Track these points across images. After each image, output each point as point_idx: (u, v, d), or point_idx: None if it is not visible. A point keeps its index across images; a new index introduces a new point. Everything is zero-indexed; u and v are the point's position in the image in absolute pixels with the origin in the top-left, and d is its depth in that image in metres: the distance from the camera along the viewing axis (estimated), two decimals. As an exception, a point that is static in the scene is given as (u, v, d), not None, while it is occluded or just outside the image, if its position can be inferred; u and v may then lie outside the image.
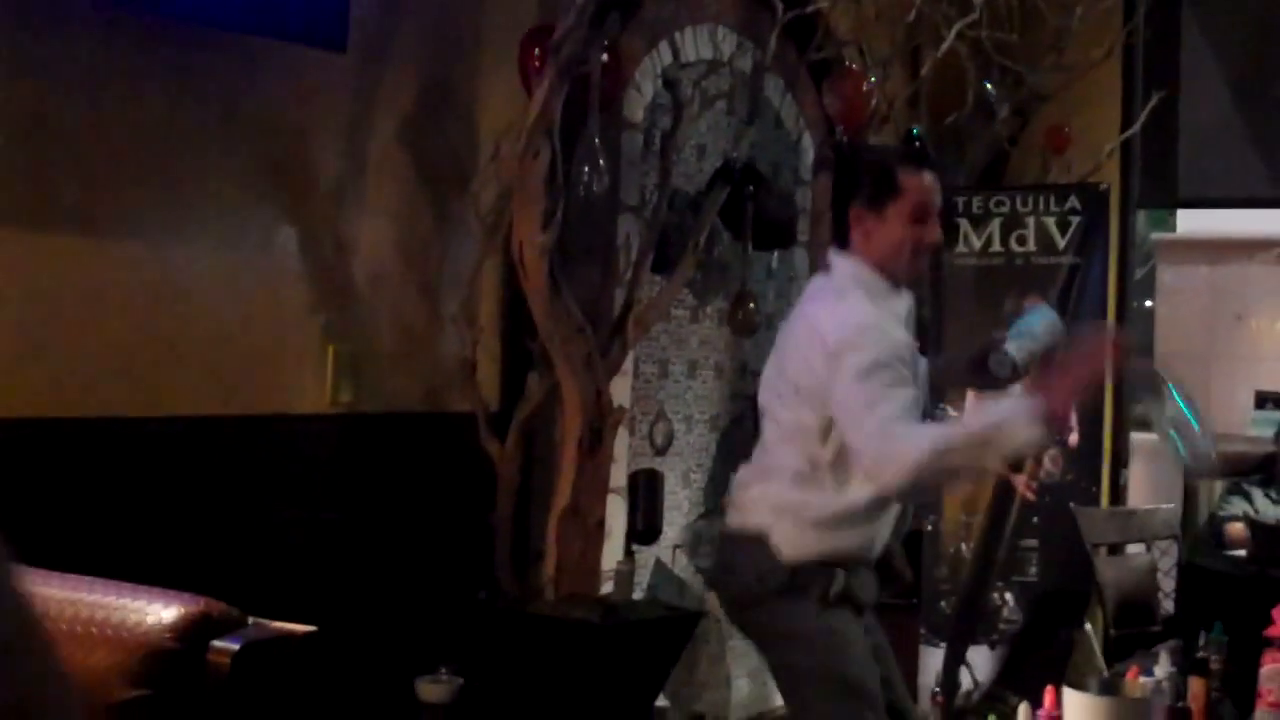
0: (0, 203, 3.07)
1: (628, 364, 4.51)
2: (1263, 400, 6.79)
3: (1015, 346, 3.34)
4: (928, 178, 3.14)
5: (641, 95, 4.74)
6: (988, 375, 3.37)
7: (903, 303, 3.18)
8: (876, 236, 3.11)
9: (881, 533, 3.23)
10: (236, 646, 1.27)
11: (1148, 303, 7.98)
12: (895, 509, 3.22)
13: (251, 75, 3.54)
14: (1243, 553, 5.33)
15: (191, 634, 1.27)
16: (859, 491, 3.08)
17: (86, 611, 1.35)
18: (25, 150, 3.10)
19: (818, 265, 3.22)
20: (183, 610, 1.28)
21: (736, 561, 3.26)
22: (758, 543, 3.14)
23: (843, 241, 3.18)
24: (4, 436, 3.02)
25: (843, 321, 3.03)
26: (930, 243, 3.14)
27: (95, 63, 3.21)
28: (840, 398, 2.97)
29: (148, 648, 1.26)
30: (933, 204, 3.14)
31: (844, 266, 3.17)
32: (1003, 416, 2.90)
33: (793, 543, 3.12)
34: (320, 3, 3.50)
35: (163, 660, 1.26)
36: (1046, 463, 5.34)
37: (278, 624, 1.45)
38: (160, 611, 1.28)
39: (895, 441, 2.88)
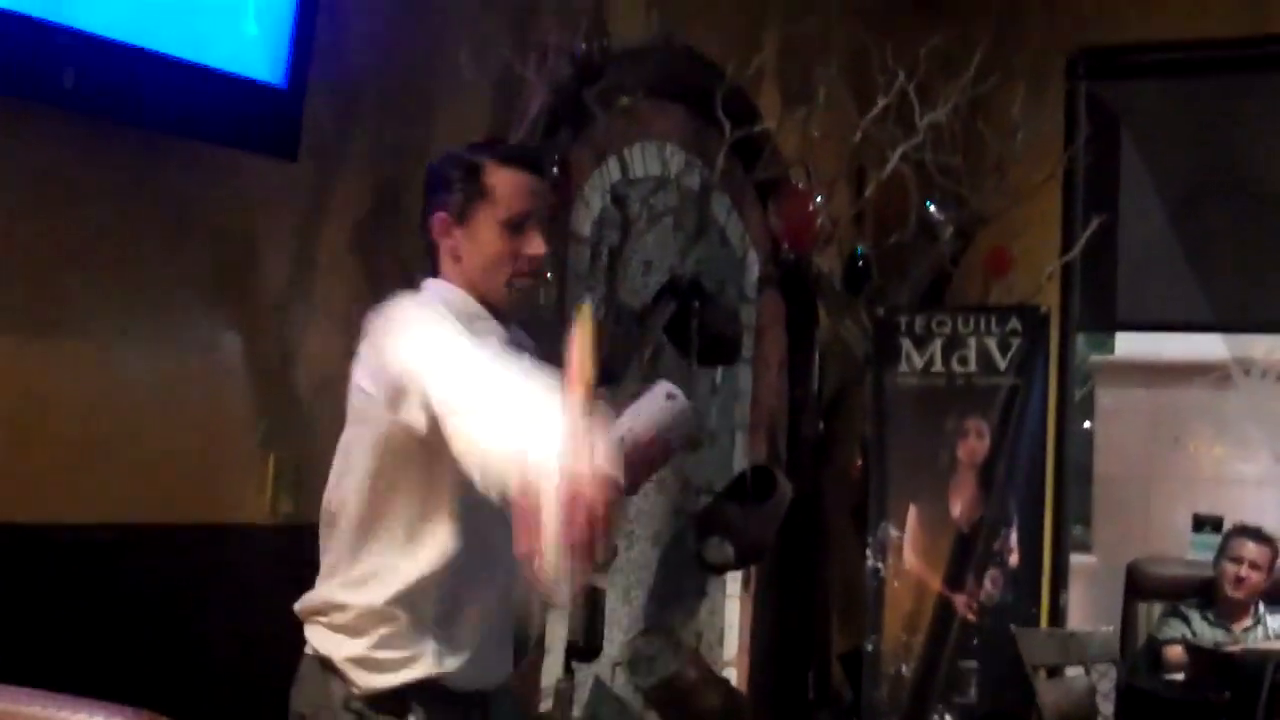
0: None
1: (571, 477, 4.48)
2: (1200, 524, 6.83)
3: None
4: (527, 179, 2.59)
5: (589, 209, 4.76)
6: None
7: (494, 329, 2.58)
8: (466, 251, 2.57)
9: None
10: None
11: (1086, 424, 8.05)
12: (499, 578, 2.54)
13: (202, 181, 3.52)
14: (1180, 676, 5.33)
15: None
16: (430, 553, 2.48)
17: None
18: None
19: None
20: (124, 725, 1.24)
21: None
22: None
23: (433, 265, 2.64)
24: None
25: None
26: (532, 255, 2.56)
27: (44, 163, 3.18)
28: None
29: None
30: (533, 210, 2.58)
31: (430, 287, 2.62)
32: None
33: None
34: (273, 112, 3.49)
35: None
36: (987, 584, 5.35)
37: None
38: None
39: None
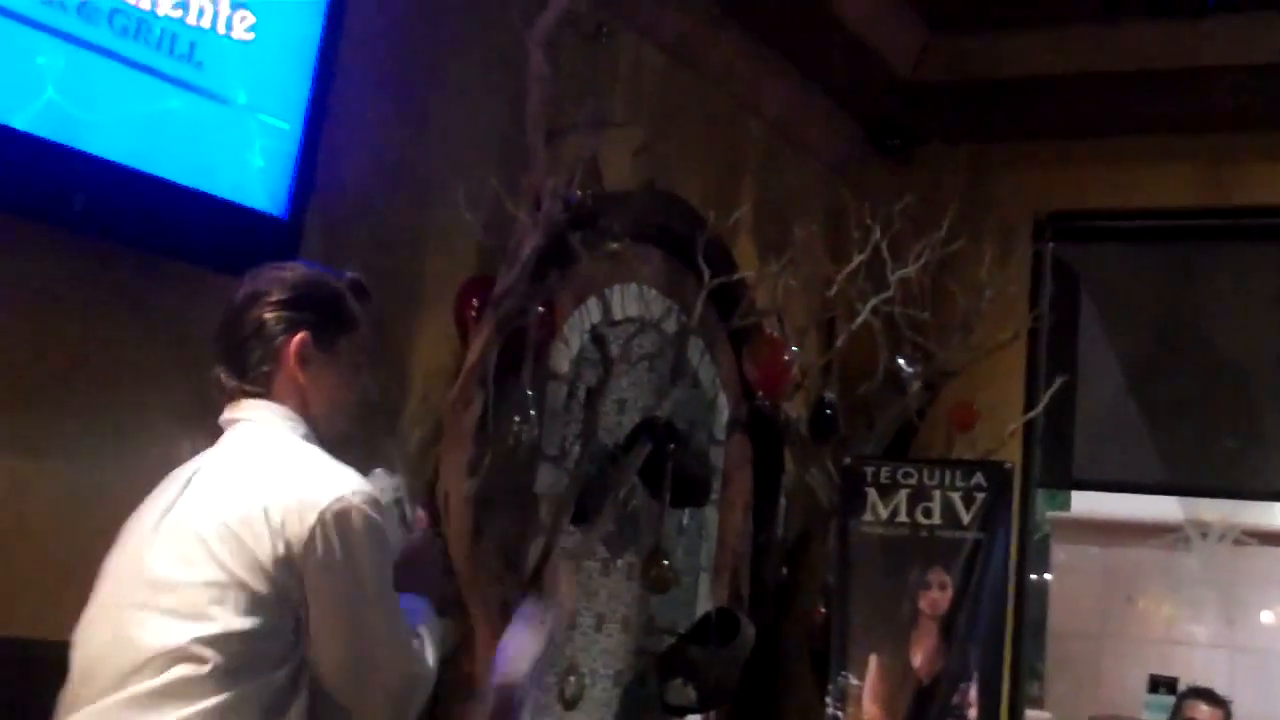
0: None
1: (538, 615, 4.51)
2: (1155, 684, 6.89)
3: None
4: (372, 318, 2.59)
5: (569, 348, 4.84)
6: None
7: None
8: (321, 380, 2.48)
9: None
10: None
11: (1046, 575, 8.11)
12: None
13: (201, 306, 3.57)
14: (1136, 837, 5.36)
15: None
16: None
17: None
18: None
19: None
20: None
21: None
22: None
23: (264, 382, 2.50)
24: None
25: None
26: (373, 401, 2.58)
27: (44, 284, 3.24)
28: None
29: None
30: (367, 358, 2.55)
31: (291, 424, 2.48)
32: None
33: None
34: (272, 242, 3.56)
35: None
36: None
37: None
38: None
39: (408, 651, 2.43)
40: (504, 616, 4.10)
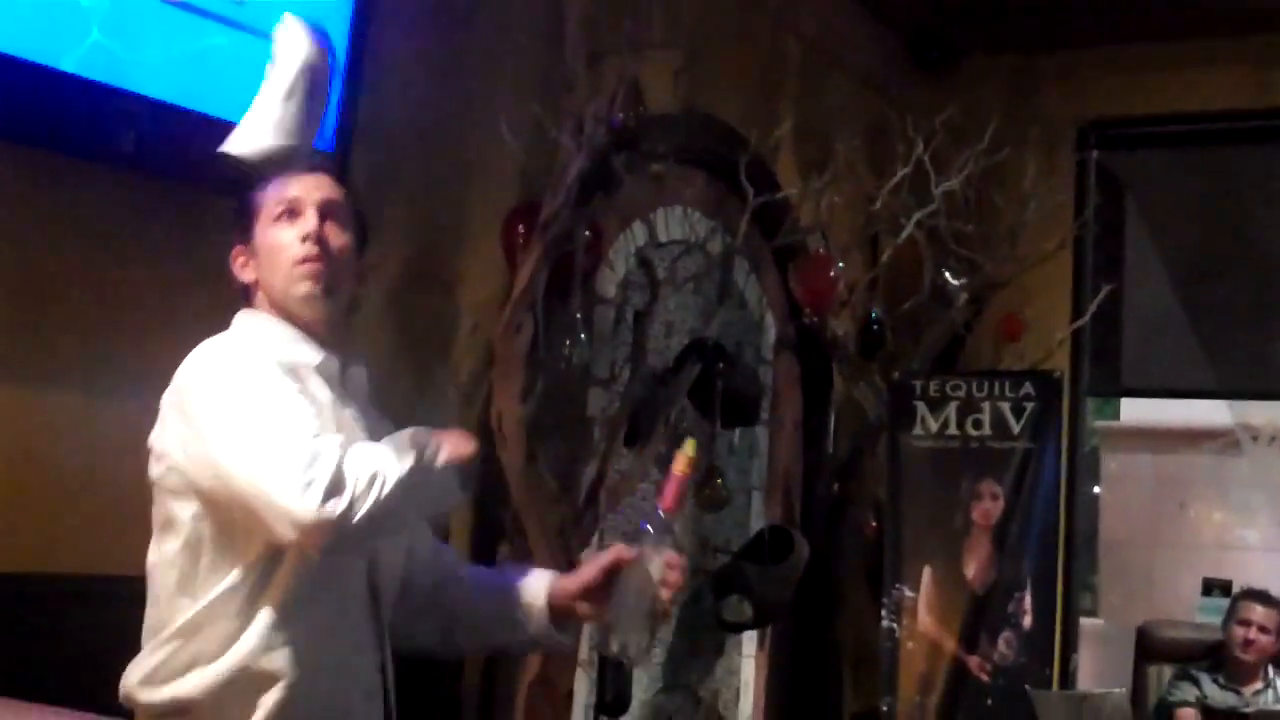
0: (2, 360, 3.11)
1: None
2: (1209, 587, 6.92)
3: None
4: (294, 176, 2.42)
5: (614, 272, 4.86)
6: None
7: (310, 352, 2.36)
8: (260, 268, 2.39)
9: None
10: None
11: (1096, 489, 8.12)
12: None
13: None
14: (1193, 738, 5.40)
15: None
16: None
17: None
18: (25, 302, 3.16)
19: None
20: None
21: None
22: None
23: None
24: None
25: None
26: (308, 232, 2.33)
27: (103, 225, 3.28)
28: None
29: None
30: (308, 199, 2.37)
31: (238, 320, 2.43)
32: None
33: None
34: (318, 175, 3.60)
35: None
36: (1001, 645, 5.41)
37: None
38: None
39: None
40: (561, 539, 4.15)
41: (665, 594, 2.35)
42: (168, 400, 2.33)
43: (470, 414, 4.17)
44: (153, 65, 3.19)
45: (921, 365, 5.93)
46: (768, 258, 5.61)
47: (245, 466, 2.12)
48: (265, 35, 3.38)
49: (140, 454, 3.34)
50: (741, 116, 5.33)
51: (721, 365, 4.92)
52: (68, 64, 3.02)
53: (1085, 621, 6.28)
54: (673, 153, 4.58)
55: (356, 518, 2.06)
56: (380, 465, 2.10)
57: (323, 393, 2.32)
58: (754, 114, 5.41)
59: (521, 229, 4.07)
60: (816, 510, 5.88)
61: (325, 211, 2.36)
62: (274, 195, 2.38)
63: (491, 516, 4.23)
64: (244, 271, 2.41)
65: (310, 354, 2.34)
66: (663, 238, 5.03)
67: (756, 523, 5.62)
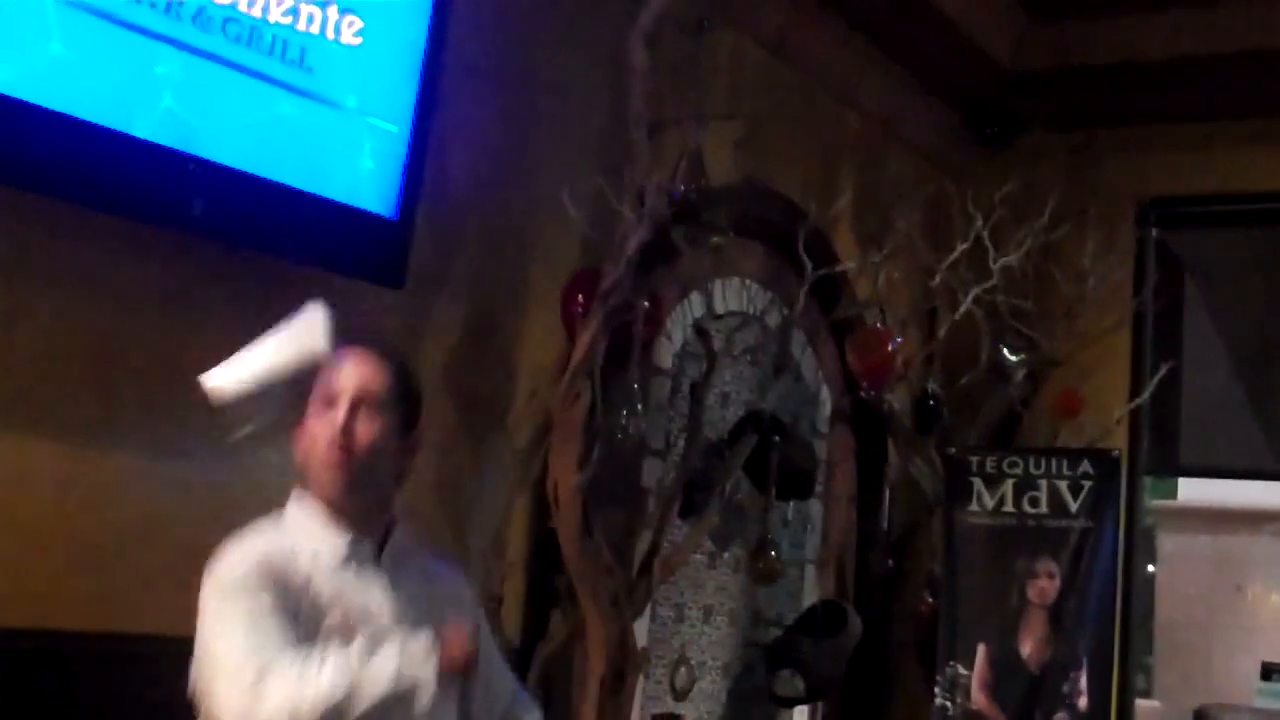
0: (66, 418, 3.15)
1: (645, 607, 4.55)
2: (1269, 671, 6.82)
3: None
4: (355, 364, 2.51)
5: (671, 343, 4.87)
6: None
7: (336, 541, 2.47)
8: (303, 456, 2.50)
9: None
10: None
11: (1150, 568, 8.04)
12: None
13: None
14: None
15: None
16: None
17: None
18: (93, 365, 3.19)
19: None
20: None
21: None
22: None
23: None
24: (50, 648, 3.05)
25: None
26: (344, 438, 2.43)
27: (169, 288, 3.32)
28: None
29: None
30: (355, 392, 2.47)
31: (286, 508, 2.55)
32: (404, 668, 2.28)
33: None
34: (383, 242, 3.63)
35: None
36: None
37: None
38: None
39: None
40: (615, 609, 4.14)
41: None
42: None
43: (525, 481, 4.18)
44: (223, 132, 3.23)
45: (978, 441, 5.90)
46: (825, 331, 5.61)
47: (205, 667, 2.34)
48: (333, 104, 3.45)
49: (196, 516, 3.39)
50: (801, 189, 5.35)
51: (777, 438, 4.92)
52: (140, 129, 3.06)
53: (1141, 703, 6.21)
54: (732, 224, 4.60)
55: None
56: (302, 694, 2.22)
57: (331, 584, 2.42)
58: (813, 186, 5.43)
59: (581, 298, 4.09)
60: (870, 585, 5.84)
61: (359, 400, 2.46)
62: (321, 381, 2.49)
63: (545, 584, 4.23)
64: (298, 450, 2.52)
65: (337, 543, 2.46)
66: (720, 309, 5.05)
67: (810, 596, 5.60)
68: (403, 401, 2.53)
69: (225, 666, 2.29)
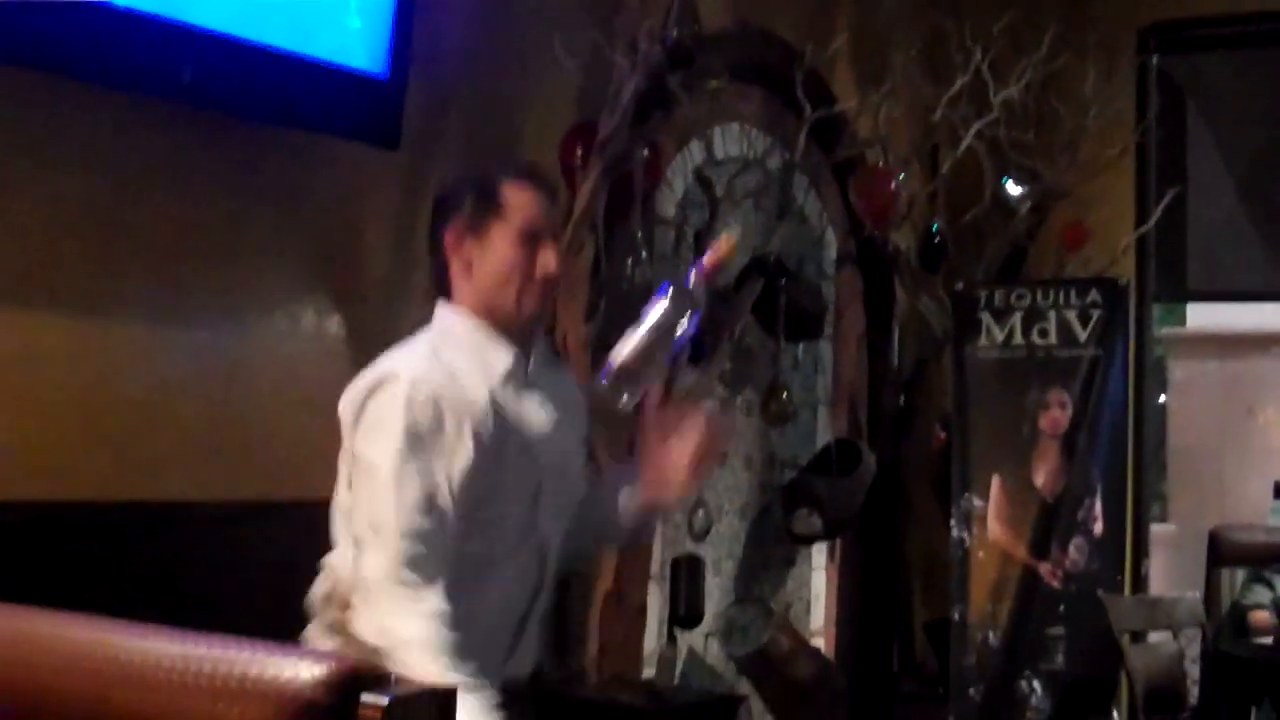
0: (70, 293, 3.16)
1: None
2: (1281, 490, 6.87)
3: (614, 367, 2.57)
4: (540, 196, 2.59)
5: (673, 192, 4.85)
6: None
7: (502, 358, 2.54)
8: (479, 265, 2.54)
9: None
10: (385, 701, 1.34)
11: (1162, 398, 8.08)
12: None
13: (307, 170, 3.65)
14: (1268, 640, 5.39)
15: (343, 689, 1.33)
16: None
17: (226, 667, 1.41)
18: (94, 238, 3.20)
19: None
20: (332, 666, 1.34)
21: None
22: None
23: (445, 286, 2.61)
24: (69, 519, 3.09)
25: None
26: (546, 274, 2.54)
27: (165, 158, 3.31)
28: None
29: (301, 702, 1.33)
30: (547, 226, 2.57)
31: (442, 321, 2.59)
32: None
33: None
34: (375, 102, 3.61)
35: (316, 715, 1.33)
36: (1072, 552, 5.41)
37: (419, 680, 1.52)
38: (310, 667, 1.35)
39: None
40: (628, 454, 4.17)
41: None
42: (349, 412, 2.50)
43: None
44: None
45: (985, 276, 5.90)
46: (827, 172, 5.59)
47: (366, 524, 2.38)
48: (319, -37, 3.41)
49: (205, 382, 3.42)
50: (796, 30, 5.29)
51: (784, 281, 4.92)
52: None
53: (1156, 528, 6.27)
54: (728, 69, 4.56)
55: (370, 626, 2.31)
56: (411, 634, 2.27)
57: (500, 401, 2.49)
58: (809, 27, 5.37)
59: (579, 149, 4.07)
60: (882, 423, 5.88)
61: (550, 233, 2.58)
62: (521, 210, 2.53)
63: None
64: (455, 253, 2.56)
65: (502, 358, 2.53)
66: (720, 155, 5.02)
67: (823, 437, 5.64)
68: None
69: (389, 546, 2.33)
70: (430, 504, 2.36)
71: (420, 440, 2.38)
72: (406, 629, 2.27)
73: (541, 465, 2.54)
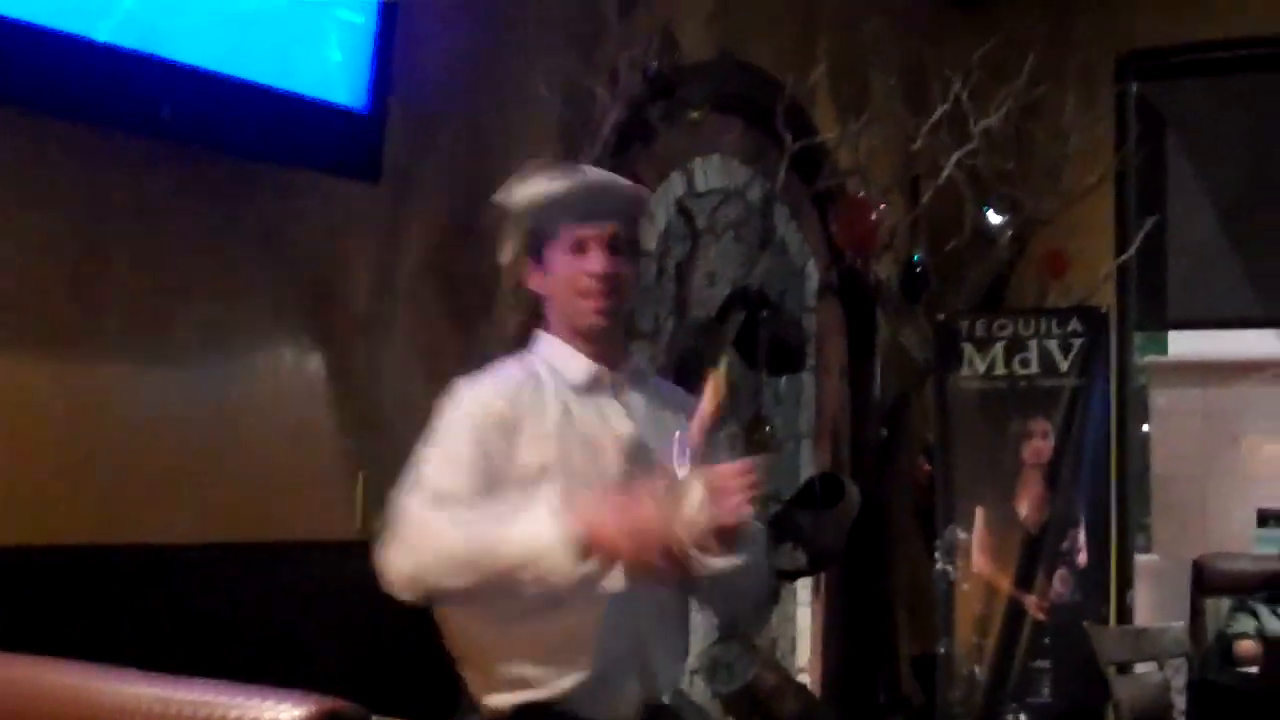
0: (49, 332, 3.12)
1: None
2: (1265, 518, 6.88)
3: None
4: (589, 206, 2.71)
5: (655, 224, 4.84)
6: None
7: (580, 368, 2.68)
8: (549, 287, 2.70)
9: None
10: (367, 742, 1.32)
11: (1144, 427, 8.08)
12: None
13: (288, 205, 3.62)
14: (1254, 669, 5.36)
15: (325, 729, 1.31)
16: None
17: (207, 711, 1.39)
18: (74, 276, 3.16)
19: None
20: (312, 708, 1.32)
21: None
22: None
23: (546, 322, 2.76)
24: (48, 562, 3.05)
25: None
26: (595, 272, 2.63)
27: (145, 195, 3.28)
28: None
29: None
30: (592, 234, 2.66)
31: (533, 343, 2.77)
32: (531, 545, 2.31)
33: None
34: (356, 136, 3.58)
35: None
36: (1056, 583, 5.40)
37: (401, 720, 1.49)
38: (291, 710, 1.33)
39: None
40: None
41: (729, 506, 2.38)
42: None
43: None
44: (186, 32, 3.16)
45: (966, 306, 5.90)
46: (808, 203, 5.58)
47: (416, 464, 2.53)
48: (299, -3, 3.39)
49: (188, 422, 3.38)
50: (776, 61, 5.29)
51: (765, 313, 4.90)
52: (102, 34, 3.00)
53: (1140, 558, 6.26)
54: (709, 100, 4.55)
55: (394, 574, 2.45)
56: (433, 542, 2.40)
57: (576, 404, 2.61)
58: (789, 58, 5.37)
59: (560, 182, 4.04)
60: (866, 455, 5.86)
61: (613, 239, 2.67)
62: (567, 227, 2.67)
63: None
64: (536, 285, 2.75)
65: (579, 368, 2.67)
66: (701, 187, 5.01)
67: (806, 470, 5.61)
68: (636, 239, 2.82)
69: (425, 490, 2.46)
70: (473, 470, 2.48)
71: (483, 421, 2.54)
72: (427, 539, 2.40)
73: (611, 473, 2.58)
